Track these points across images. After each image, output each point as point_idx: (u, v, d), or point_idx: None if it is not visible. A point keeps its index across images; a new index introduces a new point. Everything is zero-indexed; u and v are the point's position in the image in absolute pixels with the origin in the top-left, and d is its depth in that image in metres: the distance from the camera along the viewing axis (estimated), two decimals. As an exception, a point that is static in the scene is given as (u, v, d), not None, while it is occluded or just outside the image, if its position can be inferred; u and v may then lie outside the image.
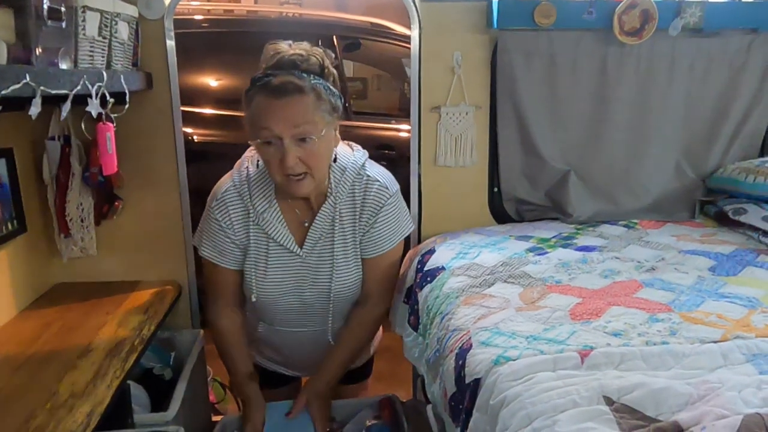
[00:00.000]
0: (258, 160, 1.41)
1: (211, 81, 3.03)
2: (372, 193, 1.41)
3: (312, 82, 1.27)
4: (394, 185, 1.47)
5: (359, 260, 1.46)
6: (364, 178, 1.42)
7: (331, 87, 1.32)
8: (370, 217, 1.42)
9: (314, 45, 1.36)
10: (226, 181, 1.44)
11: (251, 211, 1.39)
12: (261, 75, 1.29)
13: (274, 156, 1.27)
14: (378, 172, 1.45)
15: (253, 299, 1.44)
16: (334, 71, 1.36)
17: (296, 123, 1.24)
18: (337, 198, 1.40)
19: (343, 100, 1.35)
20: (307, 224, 1.42)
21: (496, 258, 1.51)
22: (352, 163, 1.42)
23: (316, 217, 1.40)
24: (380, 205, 1.42)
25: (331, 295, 1.45)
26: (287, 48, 1.33)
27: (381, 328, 1.69)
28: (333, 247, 1.42)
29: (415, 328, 1.41)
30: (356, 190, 1.41)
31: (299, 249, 1.42)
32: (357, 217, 1.42)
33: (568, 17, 1.77)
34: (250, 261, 1.43)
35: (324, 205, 1.40)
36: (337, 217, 1.41)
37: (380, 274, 1.50)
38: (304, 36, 3.35)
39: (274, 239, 1.40)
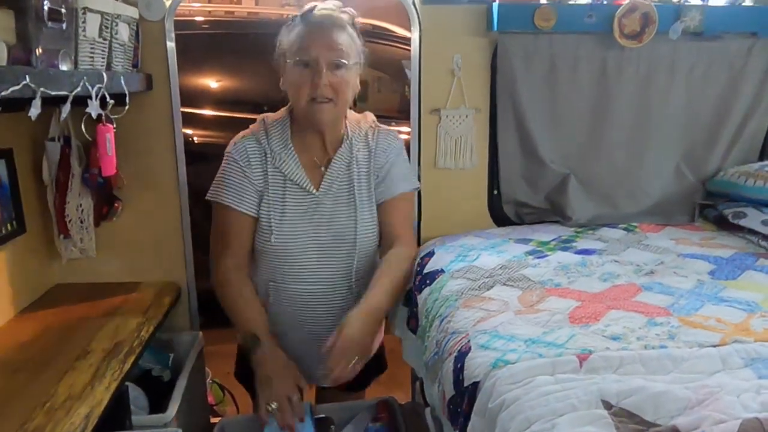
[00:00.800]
0: (286, 102, 1.50)
1: (212, 82, 3.03)
2: (382, 138, 1.53)
3: (348, 24, 1.42)
4: (400, 138, 1.59)
5: (374, 207, 1.52)
6: (376, 128, 1.55)
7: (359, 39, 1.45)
8: (383, 158, 1.52)
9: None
10: (243, 131, 1.53)
11: (268, 153, 1.46)
12: (305, 11, 1.42)
13: (306, 78, 1.37)
14: (386, 127, 1.59)
15: (273, 241, 1.45)
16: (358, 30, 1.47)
17: (333, 48, 1.36)
18: (353, 142, 1.50)
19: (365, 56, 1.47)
20: (323, 169, 1.48)
21: (496, 261, 1.51)
22: (364, 117, 1.57)
23: (333, 159, 1.48)
24: (391, 147, 1.53)
25: (356, 238, 1.48)
26: (323, 2, 1.45)
27: (382, 329, 1.66)
28: (353, 191, 1.49)
29: (414, 331, 1.41)
30: (369, 137, 1.53)
31: (315, 189, 1.47)
32: (371, 160, 1.51)
33: (569, 20, 1.77)
34: (268, 203, 1.46)
35: (341, 149, 1.49)
36: (354, 162, 1.49)
37: (402, 216, 1.55)
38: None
39: (290, 179, 1.46)
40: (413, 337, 1.42)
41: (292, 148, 1.47)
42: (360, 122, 1.54)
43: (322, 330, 1.51)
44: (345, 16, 1.42)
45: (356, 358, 1.33)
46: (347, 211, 1.49)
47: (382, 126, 1.58)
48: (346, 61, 1.38)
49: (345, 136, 1.50)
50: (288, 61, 1.40)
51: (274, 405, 1.29)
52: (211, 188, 1.51)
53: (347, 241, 1.49)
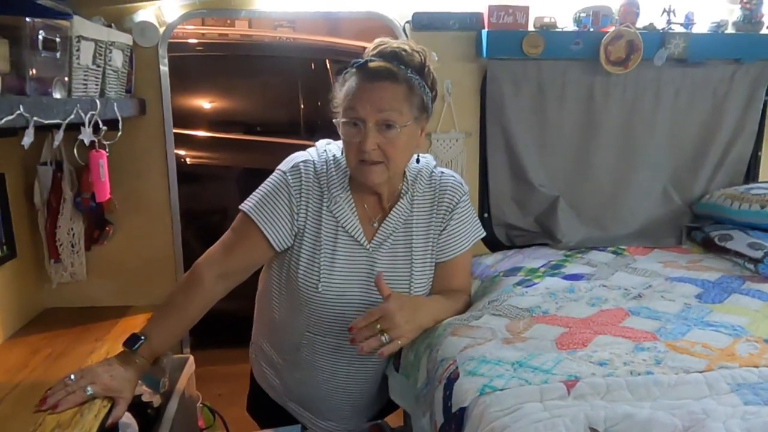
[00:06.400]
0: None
1: (205, 103, 3.05)
2: (448, 189, 1.41)
3: (408, 74, 1.28)
4: (466, 185, 1.47)
5: (434, 265, 1.42)
6: (439, 176, 1.42)
7: (427, 86, 1.32)
8: (446, 212, 1.40)
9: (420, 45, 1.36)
10: (304, 154, 1.39)
11: (326, 193, 1.35)
12: (360, 59, 1.30)
13: (354, 138, 1.26)
14: (450, 171, 1.46)
15: (320, 289, 1.34)
16: (434, 74, 1.35)
17: (382, 108, 1.24)
18: (414, 197, 1.39)
19: (433, 102, 1.35)
20: (375, 225, 1.38)
21: (485, 300, 1.47)
22: (425, 164, 1.43)
23: (389, 215, 1.37)
24: (456, 201, 1.41)
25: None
26: (393, 41, 1.34)
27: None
28: (410, 250, 1.38)
29: (397, 369, 1.41)
30: (433, 188, 1.41)
31: (367, 242, 1.36)
32: (433, 213, 1.40)
33: (556, 47, 1.81)
34: (316, 248, 1.34)
35: (399, 204, 1.38)
36: (414, 218, 1.39)
37: (464, 271, 1.45)
38: (296, 60, 3.35)
39: (343, 227, 1.35)
40: (397, 375, 1.41)
41: (350, 195, 1.36)
42: (421, 171, 1.40)
43: (353, 385, 1.46)
44: (402, 69, 1.27)
45: (384, 336, 1.22)
46: (401, 269, 1.38)
47: (446, 171, 1.45)
48: (397, 122, 1.25)
49: (403, 190, 1.38)
50: (338, 117, 1.30)
51: (72, 377, 1.22)
52: (248, 199, 1.38)
53: None
